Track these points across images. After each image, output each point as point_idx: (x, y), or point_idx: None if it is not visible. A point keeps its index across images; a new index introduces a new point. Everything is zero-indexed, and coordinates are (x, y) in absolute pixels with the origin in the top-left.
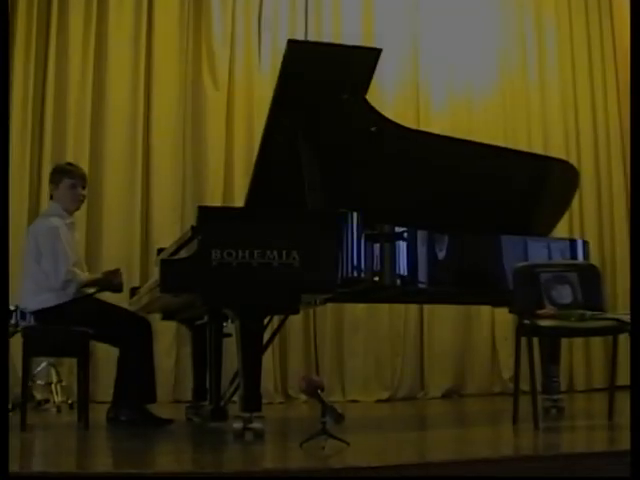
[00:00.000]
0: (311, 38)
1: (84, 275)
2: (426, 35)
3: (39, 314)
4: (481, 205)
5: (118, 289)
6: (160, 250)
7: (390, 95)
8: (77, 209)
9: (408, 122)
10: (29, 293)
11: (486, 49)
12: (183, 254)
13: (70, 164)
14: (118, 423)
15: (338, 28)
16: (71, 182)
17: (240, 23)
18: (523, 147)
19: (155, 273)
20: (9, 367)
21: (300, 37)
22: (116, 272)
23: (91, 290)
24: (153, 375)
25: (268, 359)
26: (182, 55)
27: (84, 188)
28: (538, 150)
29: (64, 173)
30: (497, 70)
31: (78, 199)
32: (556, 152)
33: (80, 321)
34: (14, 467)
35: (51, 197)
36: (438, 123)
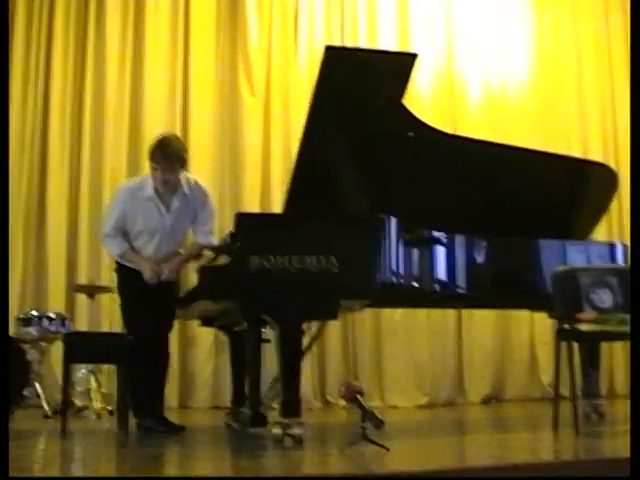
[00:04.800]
0: (347, 42)
1: (115, 250)
2: (461, 36)
3: None
4: (519, 209)
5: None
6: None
7: (426, 96)
8: (165, 190)
9: (444, 123)
10: None
11: (522, 49)
12: (222, 261)
13: (166, 141)
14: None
15: (373, 30)
16: (153, 165)
17: (276, 29)
18: (561, 148)
19: (194, 279)
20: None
21: (337, 42)
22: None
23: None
24: (154, 388)
25: (306, 364)
26: (219, 62)
27: (170, 172)
28: (576, 151)
29: (150, 155)
30: (533, 70)
31: (157, 181)
32: (594, 154)
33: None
34: (54, 472)
35: None
36: (474, 124)
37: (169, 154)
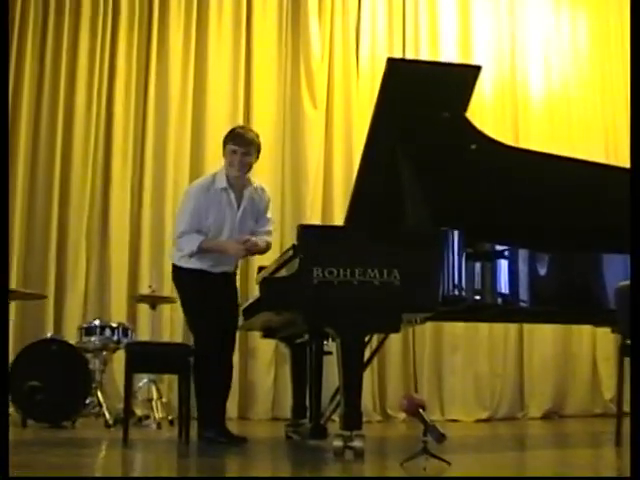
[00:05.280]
0: (409, 53)
1: (194, 243)
2: (523, 46)
3: None
4: (581, 222)
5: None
6: (261, 268)
7: (487, 107)
8: (238, 177)
9: (505, 135)
10: None
11: (585, 58)
12: (284, 272)
13: (242, 128)
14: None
15: (435, 42)
16: (232, 148)
17: (338, 41)
18: (624, 158)
19: (256, 291)
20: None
21: (398, 54)
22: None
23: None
24: (217, 399)
25: (367, 377)
26: (281, 74)
27: (248, 155)
28: None
29: (228, 138)
30: (597, 81)
31: (235, 165)
32: None
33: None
34: None
35: None
36: (536, 135)
37: (248, 136)
